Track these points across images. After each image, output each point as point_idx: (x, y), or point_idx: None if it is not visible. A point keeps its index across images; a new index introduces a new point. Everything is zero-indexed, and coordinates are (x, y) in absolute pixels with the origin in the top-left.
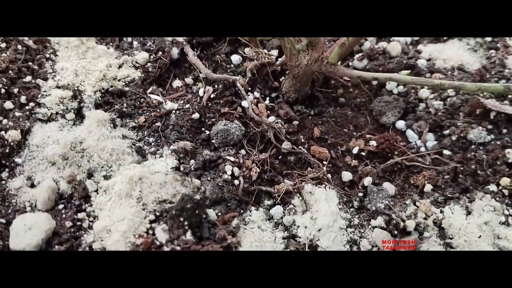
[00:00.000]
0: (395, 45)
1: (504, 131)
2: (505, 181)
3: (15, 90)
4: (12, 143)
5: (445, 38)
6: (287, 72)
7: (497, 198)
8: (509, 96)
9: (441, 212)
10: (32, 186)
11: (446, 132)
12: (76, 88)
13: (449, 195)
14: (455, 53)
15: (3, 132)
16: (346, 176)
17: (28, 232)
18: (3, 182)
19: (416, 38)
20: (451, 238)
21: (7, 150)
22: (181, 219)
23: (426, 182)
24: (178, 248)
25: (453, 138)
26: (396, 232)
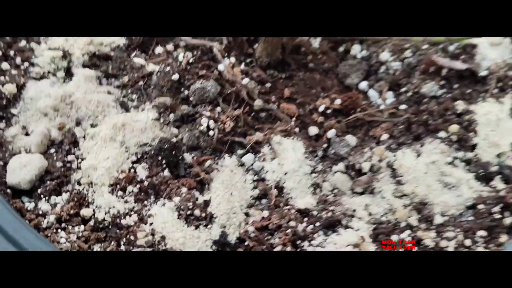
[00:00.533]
0: None
1: (455, 86)
2: (453, 128)
3: (11, 53)
4: (8, 96)
5: None
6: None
7: (446, 143)
8: (462, 56)
9: (394, 156)
10: (27, 134)
11: (403, 89)
12: (66, 50)
13: (402, 142)
14: None
15: (0, 86)
16: (313, 130)
17: (23, 169)
18: (1, 130)
19: None
20: (401, 176)
21: (4, 102)
22: (159, 158)
23: (383, 132)
24: (156, 182)
25: (409, 93)
26: (353, 174)
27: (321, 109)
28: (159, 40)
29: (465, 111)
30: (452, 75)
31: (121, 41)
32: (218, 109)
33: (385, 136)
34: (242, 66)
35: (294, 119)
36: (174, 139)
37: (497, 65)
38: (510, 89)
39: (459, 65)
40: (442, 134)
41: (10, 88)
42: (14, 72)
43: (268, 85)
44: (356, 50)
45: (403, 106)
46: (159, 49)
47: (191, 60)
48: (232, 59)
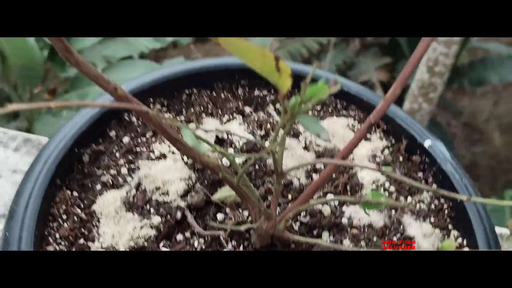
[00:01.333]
0: (326, 208)
1: None
2: None
3: (73, 250)
4: None
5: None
6: (254, 229)
7: None
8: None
9: None
10: None
11: None
12: (113, 248)
13: None
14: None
15: None
16: None
17: None
18: None
19: (342, 202)
20: None
21: None
22: None
23: None
24: None
25: None
26: None
27: None
28: (179, 230)
29: None
30: None
31: (152, 233)
32: None
33: None
34: (241, 248)
35: None
36: None
37: None
38: None
39: None
40: None
41: None
42: None
43: None
44: (325, 236)
45: None
46: (179, 237)
47: (203, 246)
48: (234, 243)
